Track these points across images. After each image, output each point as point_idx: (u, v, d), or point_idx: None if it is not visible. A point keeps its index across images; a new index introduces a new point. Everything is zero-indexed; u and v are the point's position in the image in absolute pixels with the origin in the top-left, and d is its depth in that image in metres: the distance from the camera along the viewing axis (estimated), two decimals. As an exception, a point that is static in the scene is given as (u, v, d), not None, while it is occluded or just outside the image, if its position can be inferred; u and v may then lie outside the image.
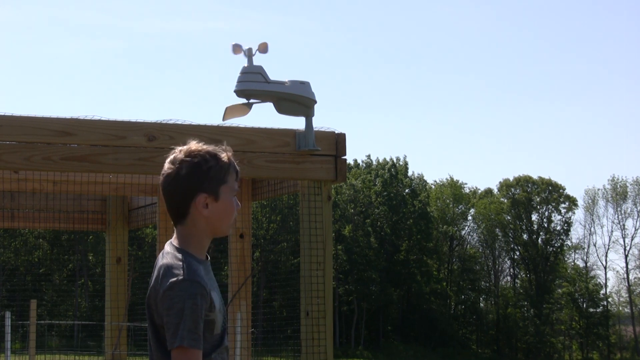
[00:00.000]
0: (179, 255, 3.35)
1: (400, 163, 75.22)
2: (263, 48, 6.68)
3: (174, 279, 3.27)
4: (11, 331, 14.91)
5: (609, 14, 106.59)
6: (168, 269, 3.31)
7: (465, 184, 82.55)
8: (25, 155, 6.35)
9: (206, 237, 3.43)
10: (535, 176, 78.84)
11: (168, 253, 3.38)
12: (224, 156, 3.43)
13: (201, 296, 3.26)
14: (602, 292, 77.82)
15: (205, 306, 3.28)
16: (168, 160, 3.42)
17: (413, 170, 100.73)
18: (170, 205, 3.41)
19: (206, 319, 3.32)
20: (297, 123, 7.06)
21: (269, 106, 6.84)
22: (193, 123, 6.83)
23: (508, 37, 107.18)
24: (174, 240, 3.43)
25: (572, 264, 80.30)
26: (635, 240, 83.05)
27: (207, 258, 3.47)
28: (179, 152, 3.42)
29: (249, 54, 6.71)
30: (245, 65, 6.73)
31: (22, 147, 6.35)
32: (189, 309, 3.22)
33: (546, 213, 78.71)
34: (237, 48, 6.67)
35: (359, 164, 76.69)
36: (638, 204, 78.28)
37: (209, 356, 3.37)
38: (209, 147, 3.44)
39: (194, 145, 3.43)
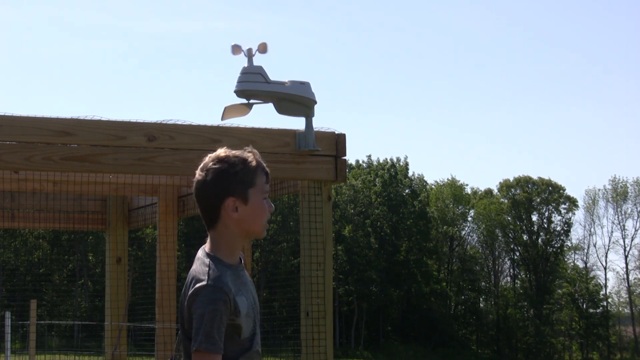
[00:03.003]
0: (207, 261, 3.44)
1: (401, 163, 75.23)
2: (262, 48, 6.67)
3: (199, 284, 3.37)
4: (11, 331, 14.93)
5: (609, 14, 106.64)
6: (195, 275, 3.42)
7: (467, 184, 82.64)
8: (25, 155, 6.35)
9: (238, 239, 3.50)
10: (535, 176, 78.87)
11: (198, 259, 3.48)
12: (252, 159, 3.51)
13: (223, 302, 3.34)
14: (602, 292, 77.83)
15: (228, 311, 3.35)
16: (199, 167, 3.53)
17: (414, 170, 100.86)
18: (202, 211, 3.51)
19: (231, 324, 3.38)
20: (297, 123, 7.06)
21: (269, 106, 6.84)
22: (193, 123, 6.82)
23: (508, 37, 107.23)
24: (206, 245, 3.52)
25: (572, 264, 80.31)
26: (635, 240, 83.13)
27: (241, 261, 3.55)
28: (208, 158, 3.51)
29: (249, 54, 6.70)
30: (246, 65, 6.73)
31: (22, 147, 6.34)
32: (208, 314, 3.31)
33: (546, 213, 78.70)
34: (236, 49, 6.66)
35: (360, 164, 76.69)
36: (638, 205, 78.30)
37: None
38: (237, 152, 3.52)
39: (222, 151, 3.52)
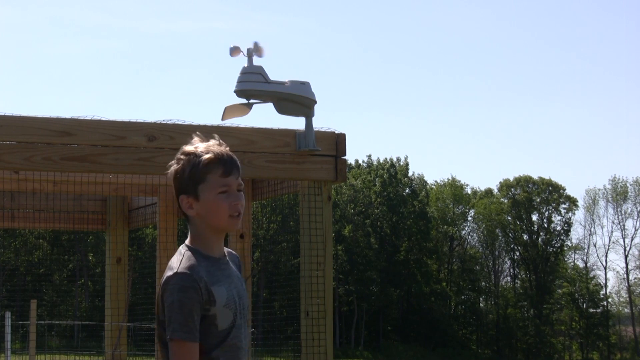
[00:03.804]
0: (182, 251, 3.45)
1: (401, 163, 75.24)
2: (258, 51, 6.66)
3: (169, 273, 3.37)
4: (11, 331, 14.91)
5: (609, 14, 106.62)
6: (168, 266, 3.43)
7: (467, 184, 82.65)
8: (25, 155, 6.34)
9: (208, 233, 3.47)
10: (535, 176, 78.87)
11: (177, 251, 3.49)
12: (205, 155, 3.43)
13: (193, 289, 3.31)
14: (602, 292, 77.82)
15: (200, 299, 3.32)
16: None
17: (414, 170, 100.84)
18: None
19: (206, 314, 3.35)
20: (297, 123, 7.06)
21: (269, 106, 6.84)
22: (193, 123, 6.82)
23: (508, 37, 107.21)
24: (187, 239, 3.53)
25: (572, 264, 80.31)
26: (636, 240, 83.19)
27: (225, 255, 3.52)
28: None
29: (249, 54, 6.70)
30: (245, 65, 6.73)
31: (22, 147, 6.34)
32: (177, 301, 3.30)
33: (546, 213, 78.68)
34: (234, 51, 6.65)
35: (360, 164, 76.70)
36: (638, 205, 78.29)
37: (210, 354, 3.37)
38: (198, 147, 3.47)
39: (185, 146, 3.50)
